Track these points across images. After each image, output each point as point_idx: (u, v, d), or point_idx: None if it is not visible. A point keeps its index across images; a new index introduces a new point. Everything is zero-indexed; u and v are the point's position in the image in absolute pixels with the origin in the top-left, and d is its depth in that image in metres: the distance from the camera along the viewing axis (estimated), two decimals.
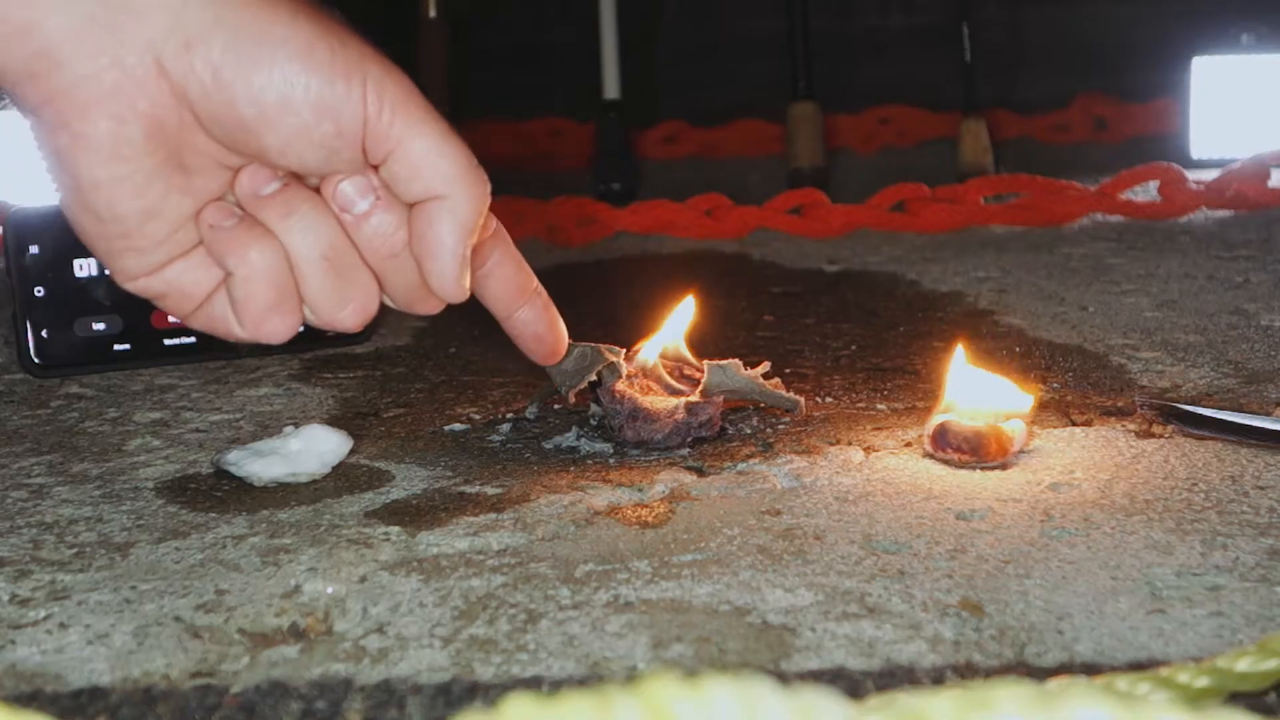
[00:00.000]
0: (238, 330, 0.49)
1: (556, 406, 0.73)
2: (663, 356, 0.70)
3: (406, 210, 0.50)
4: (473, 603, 0.49)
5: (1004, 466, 0.62)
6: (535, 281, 0.57)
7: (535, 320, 0.57)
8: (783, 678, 0.43)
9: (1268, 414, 0.67)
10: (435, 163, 0.48)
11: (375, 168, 0.49)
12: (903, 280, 1.09)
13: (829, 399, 0.74)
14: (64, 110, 0.44)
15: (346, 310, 0.50)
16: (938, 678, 0.43)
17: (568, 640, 0.46)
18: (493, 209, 0.53)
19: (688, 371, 0.70)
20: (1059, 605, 0.47)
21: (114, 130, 0.44)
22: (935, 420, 0.64)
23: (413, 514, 0.58)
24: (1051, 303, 0.97)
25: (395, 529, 0.56)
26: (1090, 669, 0.43)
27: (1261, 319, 0.89)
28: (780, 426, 0.69)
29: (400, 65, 0.49)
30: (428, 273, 0.50)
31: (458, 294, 0.50)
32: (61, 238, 0.82)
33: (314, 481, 0.62)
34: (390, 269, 0.50)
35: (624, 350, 0.68)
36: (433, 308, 0.52)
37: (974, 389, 0.65)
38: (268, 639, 0.47)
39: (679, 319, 0.71)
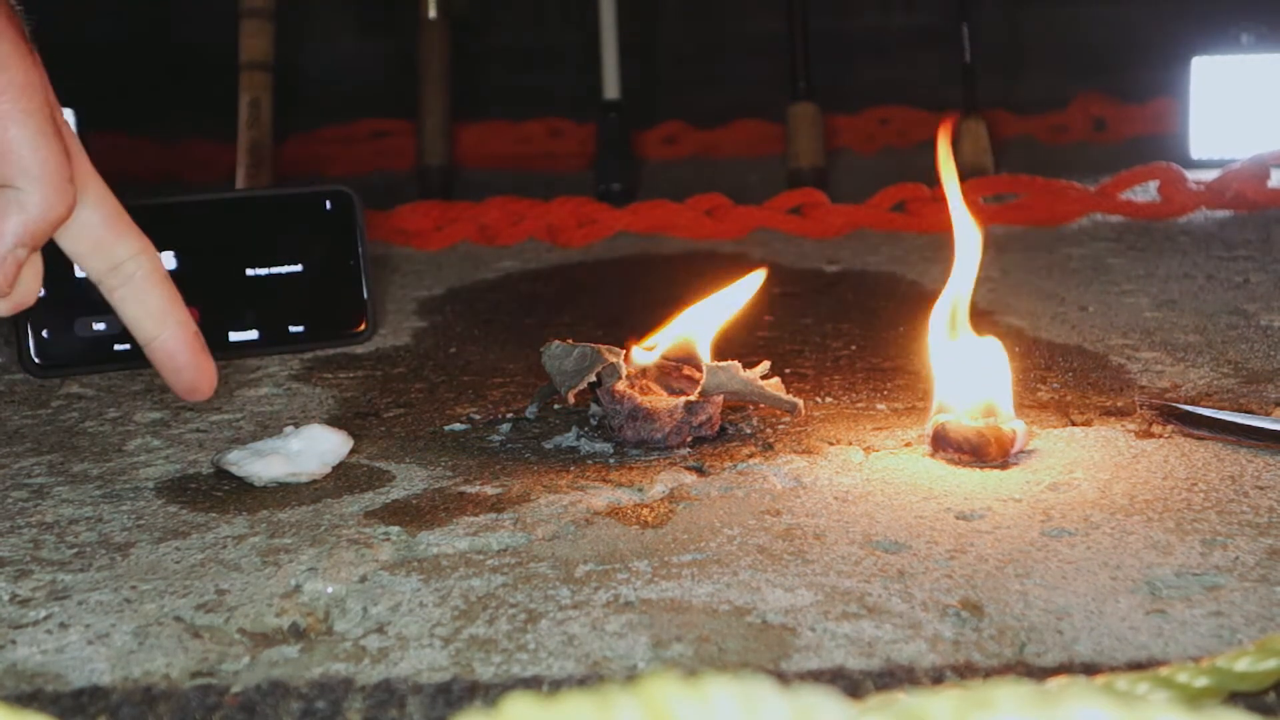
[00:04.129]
0: None
1: (556, 406, 0.73)
2: (666, 357, 0.70)
3: None
4: (473, 603, 0.49)
5: (1004, 466, 0.62)
6: (183, 313, 0.55)
7: (176, 351, 0.55)
8: (783, 678, 0.43)
9: (1268, 414, 0.67)
10: (23, 154, 0.47)
11: None
12: (903, 280, 1.09)
13: (829, 399, 0.74)
14: None
15: None
16: (937, 678, 0.43)
17: (568, 640, 0.46)
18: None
19: (687, 372, 0.70)
20: (1059, 605, 0.47)
21: None
22: (935, 420, 0.64)
23: (413, 514, 0.58)
24: (1051, 303, 0.97)
25: (395, 529, 0.56)
26: (1090, 669, 0.43)
27: (1261, 319, 0.90)
28: (780, 426, 0.69)
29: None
30: None
31: None
32: None
33: (314, 481, 0.62)
34: None
35: (624, 350, 0.68)
36: None
37: (961, 382, 0.65)
38: (268, 639, 0.47)
39: (738, 296, 0.70)
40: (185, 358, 0.55)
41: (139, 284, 0.54)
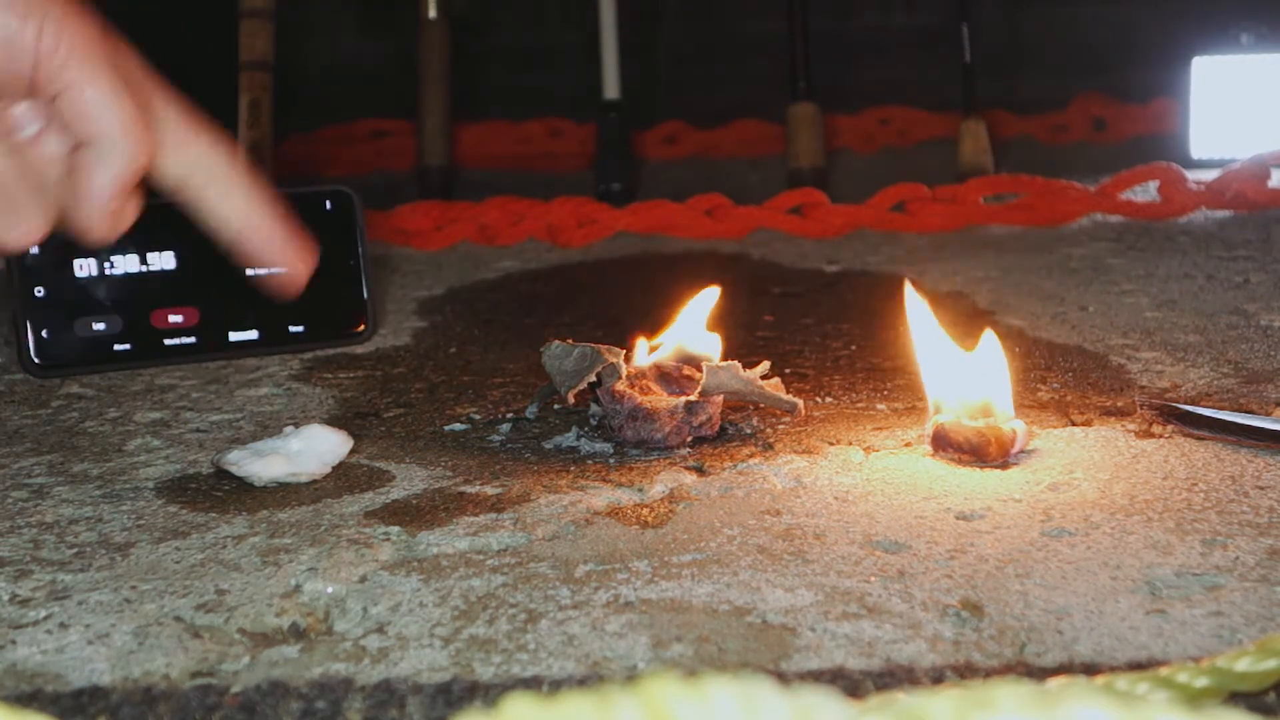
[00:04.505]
0: None
1: (556, 406, 0.73)
2: (667, 358, 0.70)
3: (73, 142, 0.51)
4: (473, 603, 0.49)
5: (1004, 466, 0.62)
6: (267, 196, 0.56)
7: (269, 235, 0.56)
8: (783, 678, 0.43)
9: (1268, 414, 0.67)
10: (100, 112, 0.50)
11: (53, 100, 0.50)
12: (903, 280, 1.09)
13: (829, 399, 0.74)
14: None
15: (16, 231, 0.51)
16: (937, 678, 0.43)
17: (568, 640, 0.46)
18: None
19: (687, 372, 0.70)
20: (1059, 605, 0.47)
21: None
22: (935, 420, 0.64)
23: (413, 514, 0.58)
24: (1051, 303, 0.97)
25: (395, 529, 0.56)
26: (1090, 669, 0.43)
27: (1261, 319, 0.90)
28: (780, 426, 0.69)
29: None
30: (79, 212, 0.51)
31: (103, 233, 0.52)
32: (61, 238, 0.82)
33: (314, 481, 0.62)
34: (57, 194, 0.52)
35: (624, 350, 0.68)
36: (89, 237, 0.53)
37: (955, 378, 0.65)
38: (268, 639, 0.47)
39: (695, 313, 0.71)
40: (280, 237, 0.56)
41: (222, 181, 0.55)
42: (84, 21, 0.50)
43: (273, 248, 0.56)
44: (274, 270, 0.56)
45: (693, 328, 0.71)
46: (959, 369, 0.65)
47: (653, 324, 0.73)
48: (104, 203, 0.51)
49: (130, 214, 0.54)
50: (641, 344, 0.71)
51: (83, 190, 0.51)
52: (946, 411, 0.64)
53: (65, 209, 0.53)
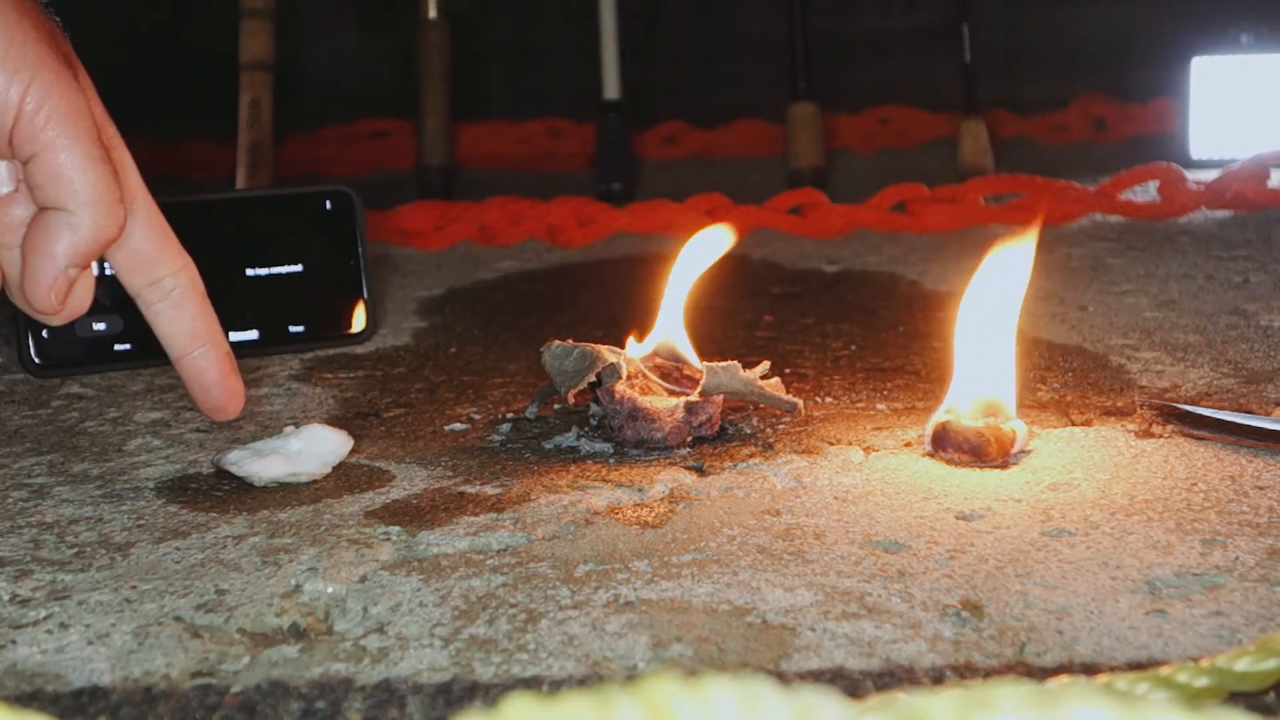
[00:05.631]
0: None
1: (556, 406, 0.73)
2: (658, 355, 0.70)
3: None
4: (473, 603, 0.49)
5: (1004, 466, 0.62)
6: (217, 332, 0.56)
7: (206, 369, 0.56)
8: (783, 678, 0.43)
9: (1268, 414, 0.67)
10: (73, 178, 0.49)
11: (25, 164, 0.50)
12: (903, 280, 1.09)
13: (829, 399, 0.74)
14: None
15: None
16: (937, 678, 0.43)
17: (568, 640, 0.46)
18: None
19: (687, 371, 0.70)
20: (1059, 605, 0.47)
21: None
22: (935, 420, 0.64)
23: (413, 514, 0.58)
24: (1051, 303, 0.97)
25: (395, 529, 0.56)
26: (1090, 669, 0.43)
27: (1261, 319, 0.90)
28: (780, 426, 0.69)
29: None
30: (27, 276, 0.50)
31: (45, 305, 0.51)
32: None
33: (314, 481, 0.62)
34: (6, 258, 0.52)
35: (624, 350, 0.69)
36: (32, 309, 0.52)
37: (975, 380, 0.65)
38: (268, 639, 0.47)
39: (702, 255, 0.71)
40: (214, 377, 0.56)
41: (176, 301, 0.55)
42: (73, 89, 0.49)
43: (206, 383, 0.56)
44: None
45: (677, 328, 0.71)
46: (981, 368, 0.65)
47: (650, 324, 0.73)
48: (58, 271, 0.50)
49: (83, 294, 0.53)
50: (631, 343, 0.71)
51: (35, 254, 0.50)
52: (954, 411, 0.64)
53: (10, 275, 0.51)
